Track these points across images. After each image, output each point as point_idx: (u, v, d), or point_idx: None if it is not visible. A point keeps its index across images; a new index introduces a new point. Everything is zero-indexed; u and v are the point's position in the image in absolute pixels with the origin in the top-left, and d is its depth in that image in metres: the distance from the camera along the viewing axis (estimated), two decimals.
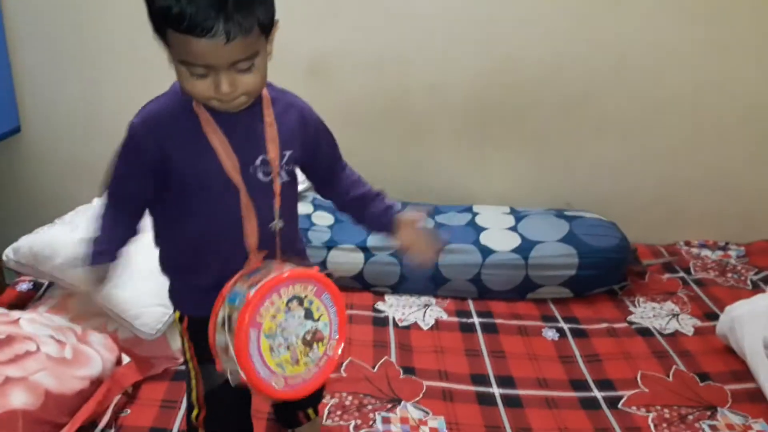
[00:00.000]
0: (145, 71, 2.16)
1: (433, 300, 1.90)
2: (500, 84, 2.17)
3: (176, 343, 1.60)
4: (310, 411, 1.36)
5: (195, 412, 1.20)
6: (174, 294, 1.16)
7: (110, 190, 1.06)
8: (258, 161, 1.02)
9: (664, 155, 2.25)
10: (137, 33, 2.09)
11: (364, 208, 1.16)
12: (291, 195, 1.11)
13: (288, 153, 1.05)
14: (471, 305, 1.88)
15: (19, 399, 1.22)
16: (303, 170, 1.14)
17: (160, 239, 1.13)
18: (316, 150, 1.12)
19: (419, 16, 2.10)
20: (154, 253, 1.65)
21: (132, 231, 1.08)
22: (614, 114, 2.20)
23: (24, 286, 1.81)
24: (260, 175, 1.03)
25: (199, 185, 1.01)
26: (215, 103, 0.95)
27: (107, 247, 1.05)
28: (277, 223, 1.06)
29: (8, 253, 1.69)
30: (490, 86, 2.18)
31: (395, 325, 1.78)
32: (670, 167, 2.26)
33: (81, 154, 2.26)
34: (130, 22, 2.10)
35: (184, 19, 0.85)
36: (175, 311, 1.16)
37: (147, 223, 1.74)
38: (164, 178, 1.01)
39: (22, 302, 1.75)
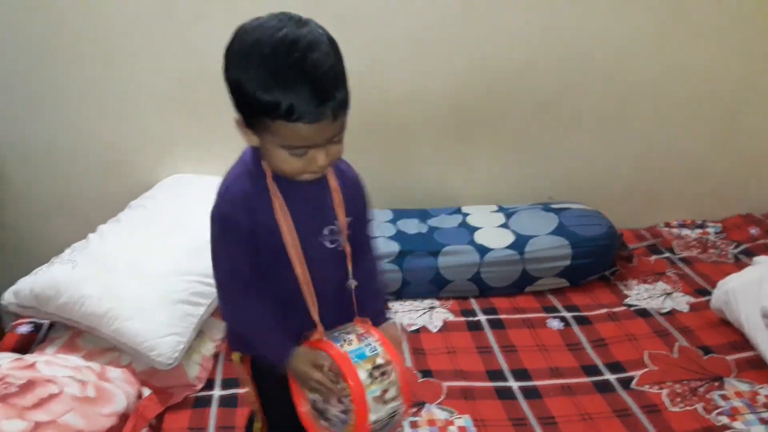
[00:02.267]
0: (119, 104, 2.15)
1: (437, 302, 1.93)
2: (475, 87, 2.22)
3: (192, 370, 1.59)
4: None
5: None
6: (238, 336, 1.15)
7: (232, 275, 1.05)
8: (326, 231, 1.05)
9: (637, 142, 2.33)
10: (109, 67, 2.10)
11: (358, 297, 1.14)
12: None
13: (349, 219, 1.07)
14: (474, 304, 1.93)
15: None
16: None
17: None
18: (356, 216, 1.11)
19: (392, 28, 2.13)
20: (163, 283, 1.65)
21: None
22: (587, 107, 2.28)
23: (24, 328, 1.77)
24: (327, 243, 1.05)
25: (271, 257, 1.02)
26: (306, 176, 0.96)
27: (280, 340, 1.05)
28: (352, 282, 1.09)
29: (8, 297, 1.65)
30: (465, 90, 2.22)
31: (405, 330, 1.80)
32: (643, 153, 2.35)
33: (63, 192, 2.22)
34: (101, 56, 2.09)
35: (295, 111, 0.87)
36: (233, 351, 1.15)
37: (156, 256, 1.72)
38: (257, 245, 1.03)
39: (23, 345, 1.71)
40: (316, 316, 1.04)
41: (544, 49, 2.19)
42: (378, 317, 1.14)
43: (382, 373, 1.00)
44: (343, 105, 0.91)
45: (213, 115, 1.91)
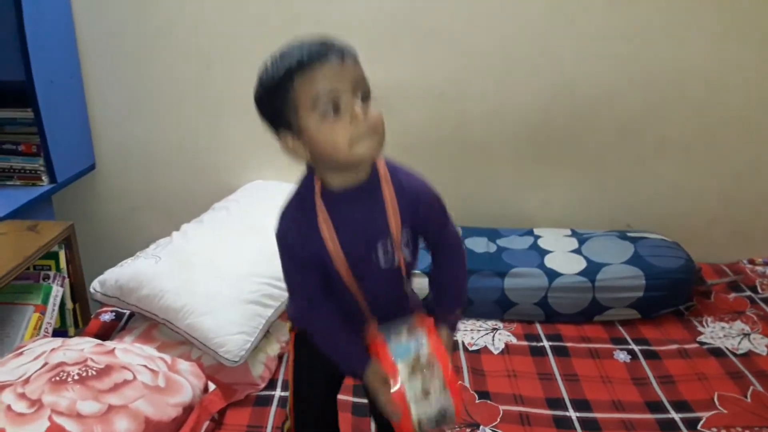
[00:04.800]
0: (211, 109, 2.27)
1: (500, 324, 1.92)
2: (558, 108, 2.21)
3: (256, 369, 1.65)
4: None
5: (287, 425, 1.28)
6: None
7: (300, 292, 1.13)
8: (379, 247, 1.06)
9: (724, 174, 2.25)
10: (205, 74, 2.22)
11: (433, 286, 1.21)
12: (411, 265, 1.14)
13: (406, 232, 1.08)
14: (539, 329, 1.90)
15: (123, 426, 1.27)
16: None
17: None
18: (425, 227, 1.12)
19: (477, 47, 2.15)
20: (237, 283, 1.73)
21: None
22: (673, 134, 2.22)
23: (107, 316, 1.89)
24: (381, 262, 1.07)
25: (327, 274, 1.08)
26: (359, 146, 0.96)
27: (355, 352, 1.11)
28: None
29: (95, 285, 1.76)
30: (547, 111, 2.21)
31: (465, 349, 1.80)
32: (730, 185, 2.26)
33: (154, 189, 2.37)
34: (199, 63, 2.22)
35: (304, 58, 0.95)
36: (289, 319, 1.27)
37: (232, 257, 1.80)
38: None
39: (105, 332, 1.82)
40: (369, 316, 1.11)
41: (632, 74, 2.15)
42: (438, 320, 1.15)
43: (426, 368, 1.02)
44: (349, 53, 0.97)
45: None
